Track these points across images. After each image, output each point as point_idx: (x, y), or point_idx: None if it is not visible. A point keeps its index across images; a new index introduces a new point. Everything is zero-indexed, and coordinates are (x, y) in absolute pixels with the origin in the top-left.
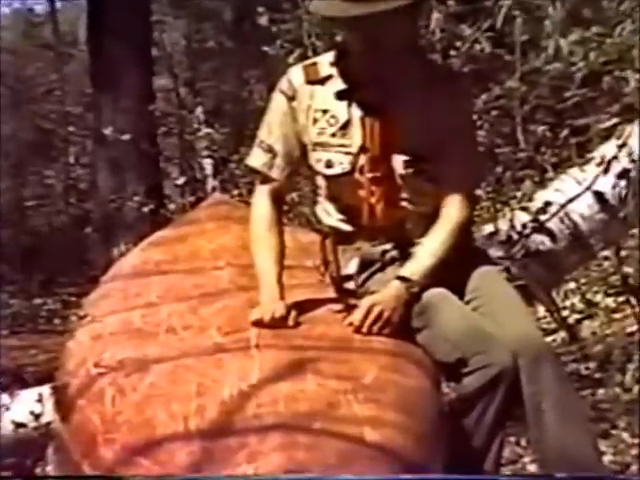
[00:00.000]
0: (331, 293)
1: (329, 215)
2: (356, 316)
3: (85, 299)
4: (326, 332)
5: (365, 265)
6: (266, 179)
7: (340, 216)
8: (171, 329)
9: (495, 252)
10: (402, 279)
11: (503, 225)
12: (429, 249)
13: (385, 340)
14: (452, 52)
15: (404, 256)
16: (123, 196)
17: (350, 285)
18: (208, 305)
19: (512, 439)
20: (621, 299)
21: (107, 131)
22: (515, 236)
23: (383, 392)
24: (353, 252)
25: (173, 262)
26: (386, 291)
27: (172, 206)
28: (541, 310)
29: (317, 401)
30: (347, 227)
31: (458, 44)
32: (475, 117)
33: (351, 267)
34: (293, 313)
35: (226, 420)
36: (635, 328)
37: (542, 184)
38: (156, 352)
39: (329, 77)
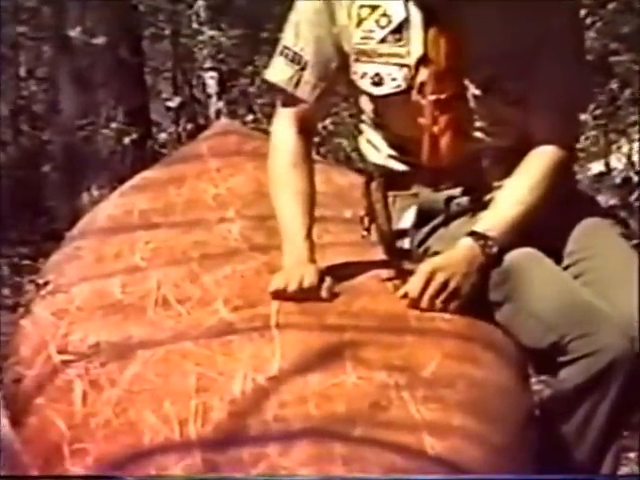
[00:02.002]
0: (378, 254)
1: (376, 150)
2: (413, 286)
3: (44, 262)
4: (371, 307)
5: (425, 217)
6: (291, 100)
7: (391, 151)
8: (163, 302)
9: (607, 199)
10: (476, 235)
11: (618, 162)
12: (513, 196)
13: (452, 318)
14: None
15: (478, 205)
16: (95, 122)
17: (404, 244)
18: (212, 270)
19: (632, 455)
20: None
21: (73, 33)
22: (635, 177)
23: (449, 388)
24: (409, 200)
25: (165, 212)
26: (453, 252)
27: (162, 136)
28: None
29: (359, 400)
30: (401, 166)
31: None
32: (582, 14)
33: (406, 220)
34: (327, 281)
35: (237, 424)
36: None
37: None
38: (142, 333)
39: None
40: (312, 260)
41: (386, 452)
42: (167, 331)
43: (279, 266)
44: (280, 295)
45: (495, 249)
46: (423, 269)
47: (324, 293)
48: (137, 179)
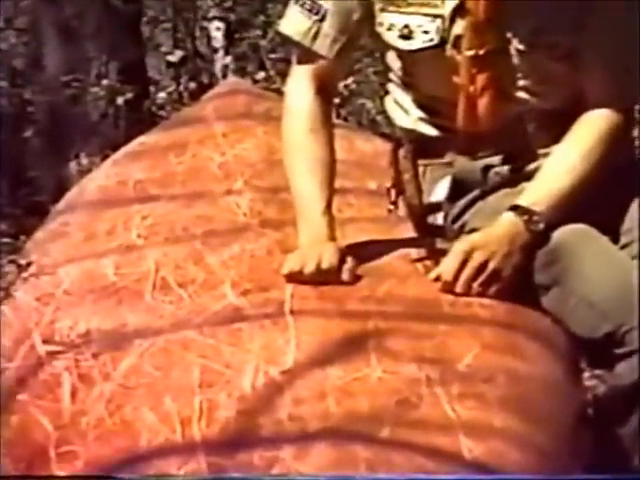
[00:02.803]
0: (407, 231)
1: (405, 112)
2: (447, 267)
3: (26, 240)
4: (399, 291)
5: (460, 189)
6: (308, 56)
7: (422, 114)
8: (162, 285)
9: None
10: (519, 210)
11: None
12: (562, 165)
13: (491, 304)
14: None
15: (521, 175)
16: (83, 79)
17: (437, 219)
18: (218, 249)
19: None
20: None
21: None
22: None
23: (488, 383)
24: (442, 169)
25: (164, 183)
26: (493, 229)
27: (161, 96)
28: None
29: (384, 396)
30: (433, 131)
31: None
32: None
33: (439, 192)
34: (349, 262)
35: (247, 424)
36: None
37: None
38: (139, 320)
39: None
40: (331, 238)
41: (416, 455)
42: (167, 318)
43: (294, 244)
44: (295, 278)
45: (541, 225)
46: (458, 248)
47: (345, 275)
48: (132, 145)
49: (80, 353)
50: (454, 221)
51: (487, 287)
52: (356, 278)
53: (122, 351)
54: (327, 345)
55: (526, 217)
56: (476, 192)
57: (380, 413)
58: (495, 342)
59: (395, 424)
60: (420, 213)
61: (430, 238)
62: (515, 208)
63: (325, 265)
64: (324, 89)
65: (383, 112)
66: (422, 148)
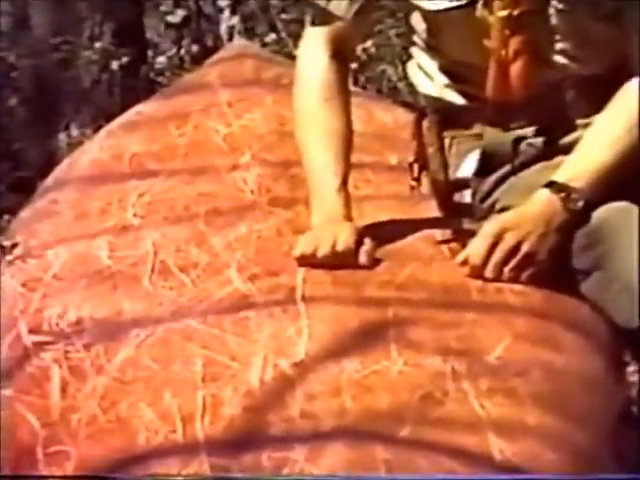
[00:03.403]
0: (431, 210)
1: (430, 79)
2: (476, 249)
3: (11, 219)
4: (422, 276)
5: (490, 163)
6: (323, 16)
7: (449, 81)
8: (161, 270)
9: None
10: (556, 186)
11: None
12: (604, 137)
13: (524, 290)
14: None
15: (558, 148)
16: (73, 41)
17: (464, 197)
18: (223, 230)
19: None
20: None
21: None
22: None
23: (521, 377)
24: (470, 142)
25: (163, 157)
26: (527, 207)
27: (161, 60)
28: None
29: (406, 391)
30: (460, 99)
31: None
32: None
33: (466, 167)
34: (367, 244)
35: (254, 421)
36: None
37: None
38: (136, 308)
39: None
40: (348, 217)
41: (441, 457)
42: (167, 305)
43: (306, 225)
44: (307, 261)
45: (580, 204)
46: (489, 229)
47: (363, 258)
48: (128, 115)
49: (71, 344)
50: (483, 199)
51: (520, 272)
52: (375, 262)
53: (117, 342)
54: (342, 335)
55: (563, 194)
56: (508, 167)
57: (401, 410)
58: (528, 332)
59: (417, 422)
60: (445, 190)
61: (456, 218)
62: (551, 184)
63: (340, 247)
64: (340, 53)
65: (405, 79)
66: (448, 118)
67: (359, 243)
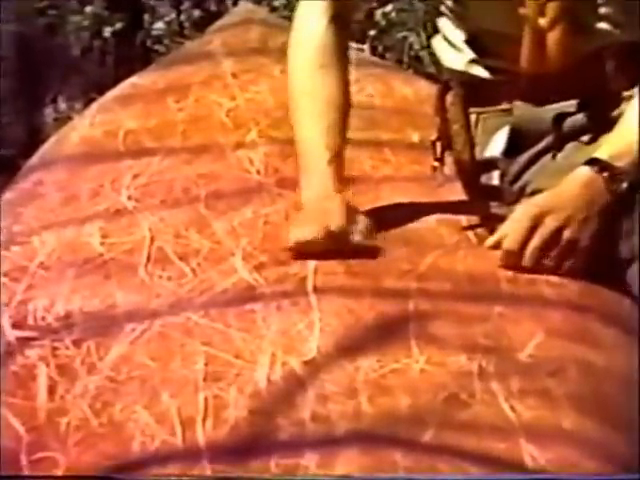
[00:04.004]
0: (456, 193)
1: (456, 50)
2: (511, 235)
3: None
4: (446, 265)
5: (521, 142)
6: None
7: (476, 55)
8: (158, 258)
9: None
10: (598, 165)
11: None
12: None
13: (560, 281)
14: None
15: (599, 124)
16: (61, 5)
17: (492, 179)
18: (227, 214)
19: None
20: None
21: None
22: None
23: (556, 377)
24: (499, 118)
25: (161, 134)
26: (565, 188)
27: (158, 26)
28: None
29: (429, 392)
30: (490, 72)
31: None
32: None
33: (495, 145)
34: (361, 220)
35: (261, 425)
36: None
37: None
38: (131, 300)
39: None
40: (339, 190)
41: (466, 464)
42: (165, 297)
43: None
44: (305, 249)
45: (625, 185)
46: (525, 212)
47: (357, 237)
48: (122, 87)
49: (59, 340)
50: (513, 181)
51: (561, 261)
52: (374, 250)
53: (110, 337)
54: (358, 330)
55: (606, 174)
56: (540, 145)
57: (422, 413)
58: (564, 327)
59: (441, 426)
60: (471, 171)
61: (483, 202)
62: (593, 162)
63: (334, 227)
64: (341, 16)
65: (428, 48)
66: (475, 92)
67: (351, 221)
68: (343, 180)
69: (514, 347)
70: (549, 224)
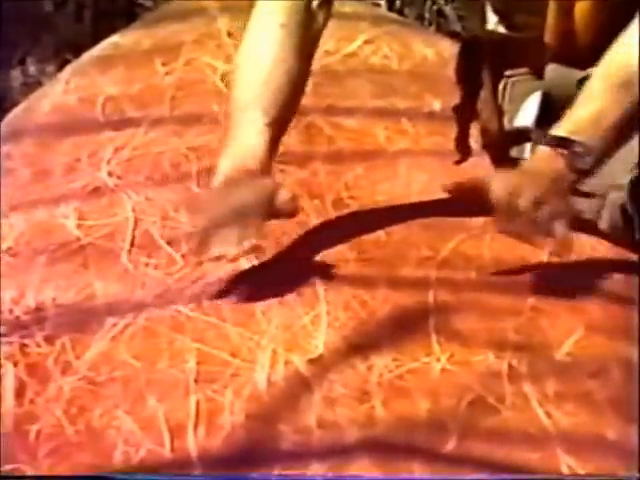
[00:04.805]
0: (483, 168)
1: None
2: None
3: None
4: (471, 251)
5: (555, 109)
6: None
7: (504, 10)
8: (143, 243)
9: None
10: (554, 141)
11: None
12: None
13: (601, 272)
14: None
15: None
16: None
17: (523, 152)
18: None
19: None
20: None
21: None
22: None
23: (597, 379)
24: (530, 83)
25: (145, 101)
26: (528, 169)
27: None
28: None
29: (451, 395)
30: (517, 32)
31: None
32: None
33: (526, 114)
34: (282, 193)
35: (261, 432)
36: None
37: None
38: (112, 291)
39: None
40: (266, 170)
41: (496, 475)
42: (151, 288)
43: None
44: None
45: (589, 160)
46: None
47: (284, 206)
48: (102, 47)
49: (29, 336)
50: None
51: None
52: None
53: (88, 333)
54: (371, 325)
55: (565, 151)
56: None
57: (444, 418)
58: (606, 322)
59: (465, 434)
60: (500, 143)
61: None
62: (551, 140)
63: (241, 245)
64: None
65: (453, 2)
66: (503, 54)
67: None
68: (273, 157)
69: (549, 344)
70: (524, 202)
